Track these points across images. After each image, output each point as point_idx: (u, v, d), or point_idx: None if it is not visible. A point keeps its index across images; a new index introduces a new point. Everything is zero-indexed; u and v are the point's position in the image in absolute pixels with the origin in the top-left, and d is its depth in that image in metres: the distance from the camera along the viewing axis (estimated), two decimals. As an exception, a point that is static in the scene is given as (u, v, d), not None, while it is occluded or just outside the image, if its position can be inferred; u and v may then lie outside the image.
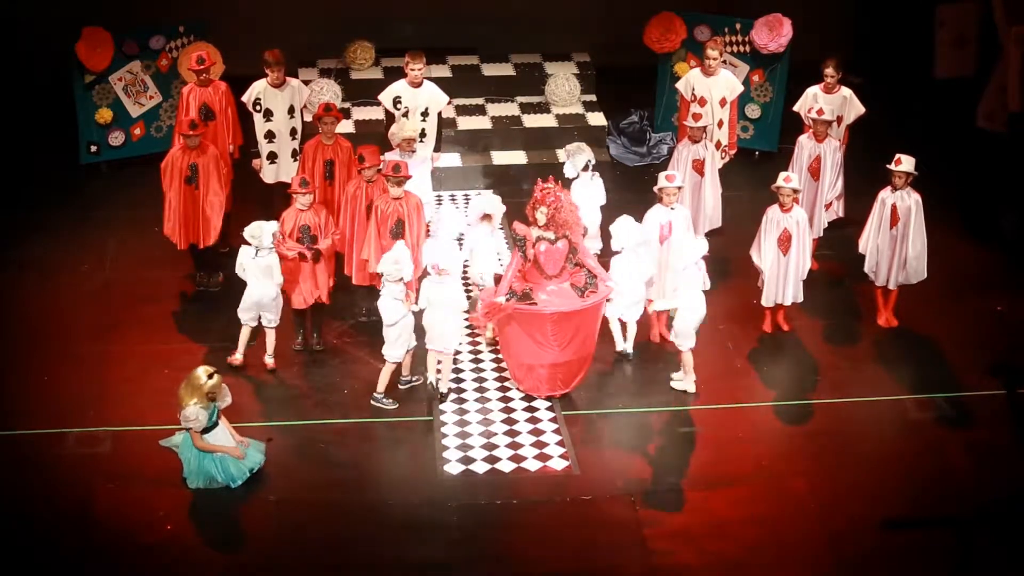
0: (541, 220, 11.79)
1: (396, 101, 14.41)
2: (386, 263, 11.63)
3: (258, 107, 14.02)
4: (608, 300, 12.16)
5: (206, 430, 10.79)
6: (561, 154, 15.87)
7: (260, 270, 12.09)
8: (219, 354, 12.46)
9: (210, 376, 10.79)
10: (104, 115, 15.80)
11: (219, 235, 13.40)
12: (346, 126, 15.91)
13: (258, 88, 13.99)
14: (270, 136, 14.12)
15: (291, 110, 14.09)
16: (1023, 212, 15.13)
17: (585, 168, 13.50)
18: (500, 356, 12.47)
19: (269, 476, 11.02)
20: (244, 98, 14.03)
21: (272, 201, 14.22)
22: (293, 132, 14.17)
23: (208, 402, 10.77)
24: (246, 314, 12.27)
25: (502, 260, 13.10)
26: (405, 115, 14.23)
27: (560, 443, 11.53)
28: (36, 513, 10.57)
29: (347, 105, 16.55)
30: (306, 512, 10.73)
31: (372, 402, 11.85)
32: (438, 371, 12.05)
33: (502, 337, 12.12)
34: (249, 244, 12.07)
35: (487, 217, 12.82)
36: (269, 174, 14.26)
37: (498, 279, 12.26)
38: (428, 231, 12.66)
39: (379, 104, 14.82)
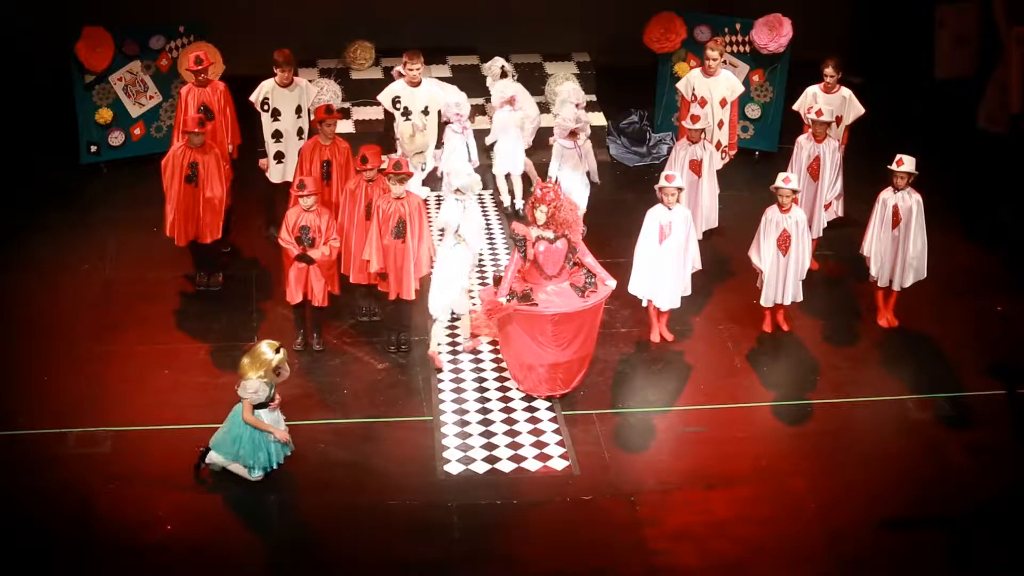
0: (541, 219, 11.77)
1: (395, 101, 14.43)
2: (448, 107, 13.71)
3: (266, 107, 14.01)
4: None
5: (259, 405, 10.76)
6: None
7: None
8: (220, 354, 12.47)
9: (276, 351, 10.77)
10: (104, 115, 15.81)
11: (221, 233, 13.41)
12: (346, 126, 15.93)
13: (266, 88, 13.99)
14: (277, 136, 14.11)
15: (299, 110, 14.08)
16: (1021, 210, 15.15)
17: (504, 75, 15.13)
18: (500, 355, 12.47)
19: (269, 476, 11.00)
20: (252, 98, 14.02)
21: (275, 200, 14.23)
22: (300, 132, 14.14)
23: (273, 376, 10.75)
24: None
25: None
26: (405, 114, 14.26)
27: (560, 443, 11.54)
28: (36, 513, 10.57)
29: (347, 105, 16.56)
30: (306, 512, 10.74)
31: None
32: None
33: (502, 336, 12.12)
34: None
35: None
36: (275, 174, 14.25)
37: (497, 280, 12.25)
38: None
39: (379, 104, 14.84)
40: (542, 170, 14.81)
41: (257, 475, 10.89)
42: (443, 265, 12.32)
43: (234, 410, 10.89)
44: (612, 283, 12.02)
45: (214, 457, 10.92)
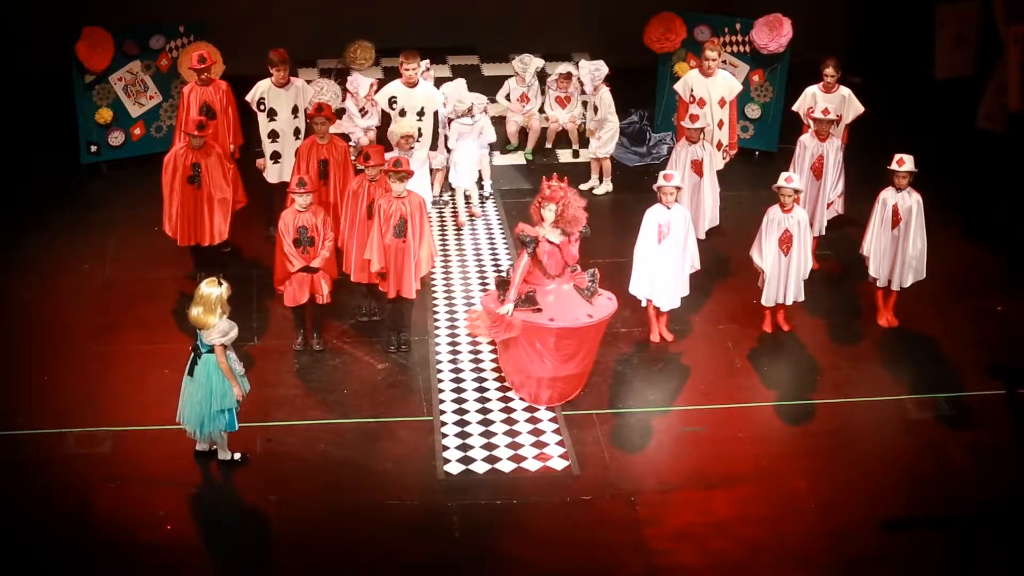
0: (549, 218, 11.67)
1: (392, 101, 14.42)
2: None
3: (262, 107, 14.01)
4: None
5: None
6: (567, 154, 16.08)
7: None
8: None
9: (219, 284, 10.57)
10: (104, 115, 15.81)
11: (227, 234, 13.41)
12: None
13: (262, 88, 13.98)
14: (274, 136, 14.10)
15: (295, 110, 14.08)
16: (1020, 210, 15.16)
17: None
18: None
19: (269, 476, 11.01)
20: (248, 98, 14.02)
21: (273, 200, 14.23)
22: (297, 132, 14.15)
23: (228, 307, 10.58)
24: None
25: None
26: (402, 114, 14.27)
27: (560, 443, 11.54)
28: (36, 513, 10.58)
29: (345, 105, 16.51)
30: (306, 512, 10.73)
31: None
32: None
33: (500, 344, 12.06)
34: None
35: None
36: (273, 174, 14.25)
37: (499, 283, 12.10)
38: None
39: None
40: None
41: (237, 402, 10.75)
42: (457, 150, 14.65)
43: (202, 367, 10.76)
44: (614, 303, 11.97)
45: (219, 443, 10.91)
